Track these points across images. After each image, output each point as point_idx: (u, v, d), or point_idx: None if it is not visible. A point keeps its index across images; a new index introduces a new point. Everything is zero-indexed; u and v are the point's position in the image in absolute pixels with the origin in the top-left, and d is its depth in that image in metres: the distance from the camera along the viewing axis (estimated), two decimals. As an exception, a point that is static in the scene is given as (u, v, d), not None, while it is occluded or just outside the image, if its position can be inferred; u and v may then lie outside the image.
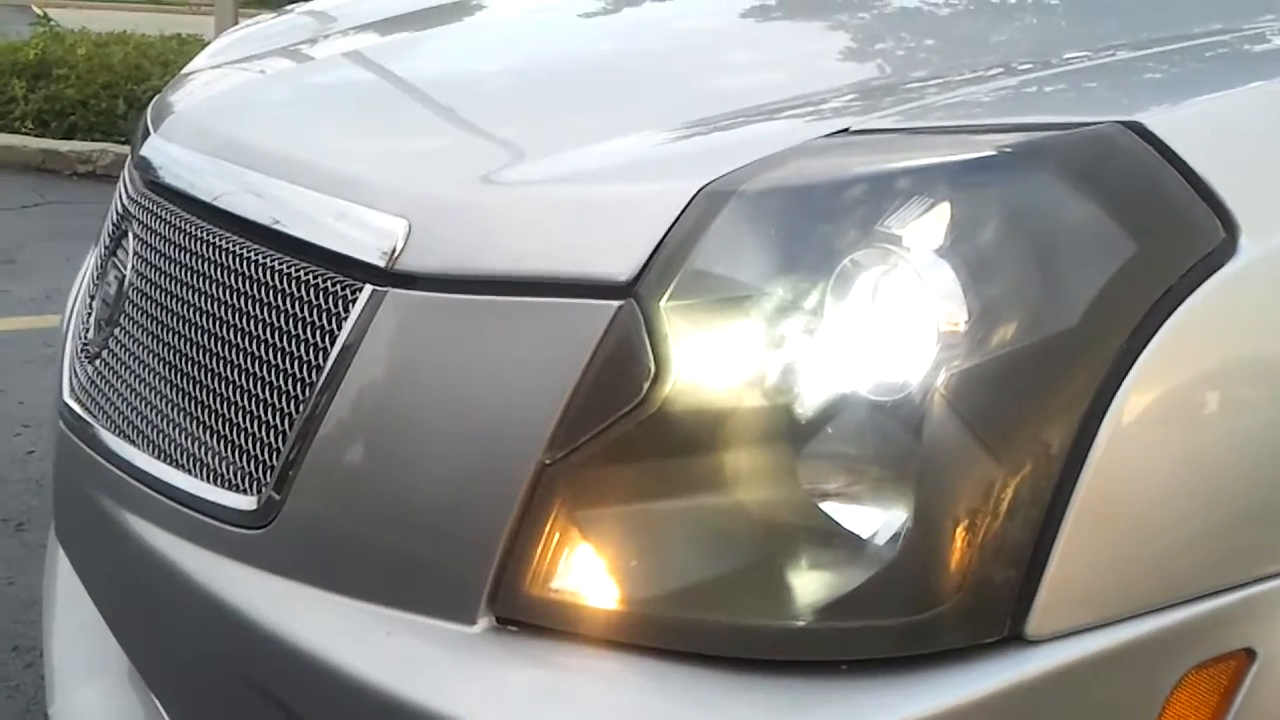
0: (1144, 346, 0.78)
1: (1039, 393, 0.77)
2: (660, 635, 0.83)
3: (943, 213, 0.80)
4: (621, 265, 0.86)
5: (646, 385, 0.82)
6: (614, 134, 1.08)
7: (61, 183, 5.85)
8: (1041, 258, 0.79)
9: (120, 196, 1.45)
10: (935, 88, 1.02)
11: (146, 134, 1.44)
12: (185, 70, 1.79)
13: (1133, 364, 0.78)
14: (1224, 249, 0.81)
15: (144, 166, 1.36)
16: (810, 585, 0.80)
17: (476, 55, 1.54)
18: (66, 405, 1.34)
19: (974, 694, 0.76)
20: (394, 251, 0.97)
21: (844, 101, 1.04)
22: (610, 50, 1.49)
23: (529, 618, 0.86)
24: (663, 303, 0.84)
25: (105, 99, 6.49)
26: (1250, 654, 0.80)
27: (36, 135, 6.32)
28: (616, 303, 0.85)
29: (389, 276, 0.97)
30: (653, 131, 1.06)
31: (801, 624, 0.80)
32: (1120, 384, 0.77)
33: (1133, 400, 0.77)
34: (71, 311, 1.59)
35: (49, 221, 5.01)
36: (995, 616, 0.77)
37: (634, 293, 0.85)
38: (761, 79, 1.24)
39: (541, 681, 0.85)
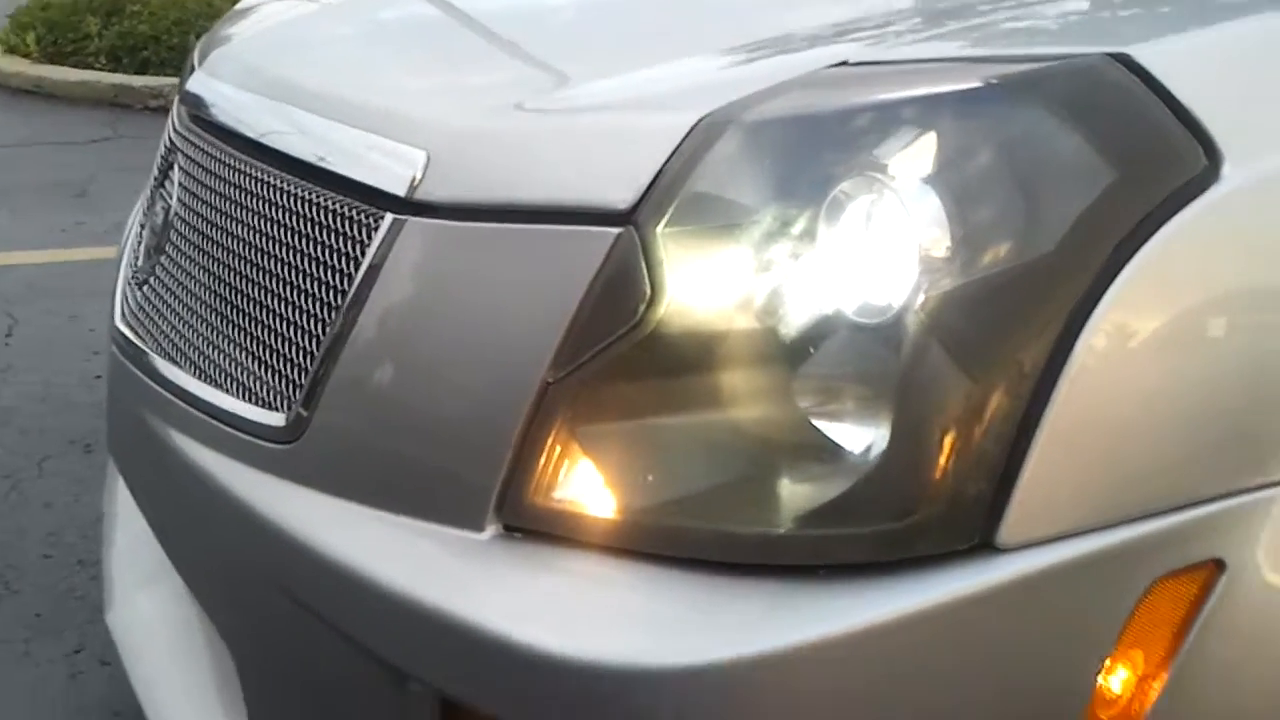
0: (1120, 270, 0.81)
1: (1016, 315, 0.81)
2: (654, 541, 0.88)
3: (930, 143, 0.83)
4: (622, 194, 0.90)
5: (642, 308, 0.87)
6: (629, 67, 1.11)
7: (134, 117, 5.96)
8: (1025, 186, 0.82)
9: (168, 130, 1.51)
10: (929, 22, 1.04)
11: (193, 69, 1.49)
12: (236, 7, 1.84)
13: (1108, 287, 0.80)
14: (1206, 176, 0.83)
15: (190, 101, 1.42)
16: (793, 495, 0.85)
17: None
18: (118, 329, 1.42)
19: (944, 598, 0.80)
20: (414, 181, 1.02)
21: (848, 35, 1.07)
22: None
23: (533, 525, 0.92)
24: (660, 229, 0.88)
25: (177, 34, 6.57)
26: (1220, 564, 0.83)
27: (110, 70, 6.43)
28: (616, 230, 0.89)
29: (409, 205, 1.01)
30: (676, 62, 1.10)
31: (784, 531, 0.84)
32: (1095, 307, 0.80)
33: (1108, 322, 0.80)
34: (126, 241, 1.66)
35: (120, 155, 5.12)
36: (967, 526, 0.81)
37: (633, 220, 0.89)
38: (801, 11, 1.26)
39: (544, 583, 0.90)
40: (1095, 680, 0.84)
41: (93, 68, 6.46)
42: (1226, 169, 0.83)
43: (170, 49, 6.53)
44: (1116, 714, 0.85)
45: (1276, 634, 0.85)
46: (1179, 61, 0.86)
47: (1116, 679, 0.84)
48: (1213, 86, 0.86)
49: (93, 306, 3.26)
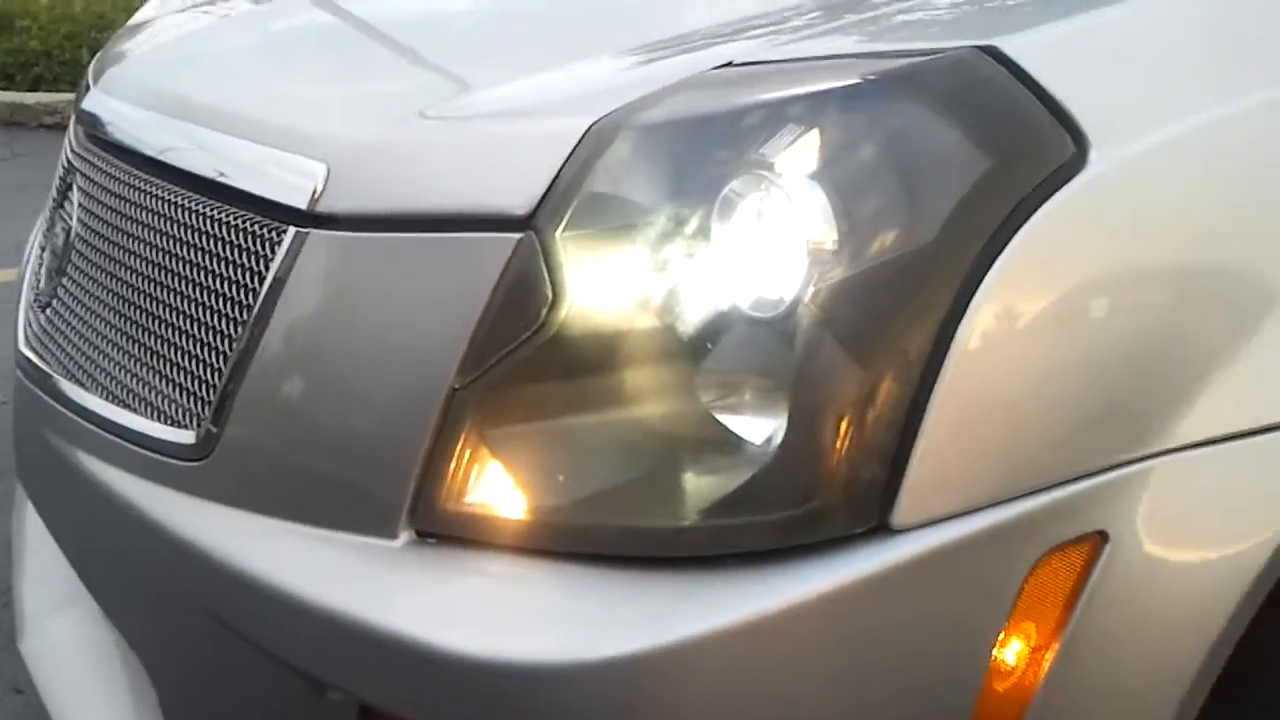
0: (997, 257, 0.84)
1: (900, 304, 0.84)
2: (564, 540, 0.90)
3: (813, 139, 0.86)
4: (521, 199, 0.92)
5: (545, 311, 0.89)
6: (527, 72, 1.13)
7: (29, 135, 5.84)
8: (905, 178, 0.85)
9: (65, 150, 1.50)
10: (807, 20, 1.07)
11: (88, 88, 1.48)
12: (132, 20, 1.83)
13: (986, 274, 0.84)
14: (1074, 163, 0.86)
15: (86, 120, 1.41)
16: (697, 487, 0.87)
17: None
18: (21, 353, 1.40)
19: (844, 579, 0.83)
20: (314, 194, 1.03)
21: (743, 34, 1.10)
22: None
23: (446, 530, 0.93)
24: (558, 233, 0.90)
25: (69, 49, 6.45)
26: (1103, 536, 0.87)
27: (2, 89, 6.29)
28: (516, 235, 0.91)
29: (310, 218, 1.02)
30: (572, 67, 1.12)
31: (690, 523, 0.87)
32: (974, 293, 0.83)
33: (987, 308, 0.84)
34: (27, 263, 1.64)
35: (18, 174, 5.01)
36: (863, 509, 0.84)
37: (533, 225, 0.91)
38: (698, 9, 1.29)
39: (457, 587, 0.91)
40: (991, 653, 0.87)
41: (-16, 86, 6.32)
42: (1093, 155, 0.87)
43: (63, 64, 6.41)
44: (1011, 685, 0.88)
45: (1156, 602, 0.88)
46: (1045, 52, 0.90)
47: (1010, 651, 0.88)
48: (1078, 75, 0.90)
49: (-6, 330, 3.19)
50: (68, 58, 6.42)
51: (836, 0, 1.19)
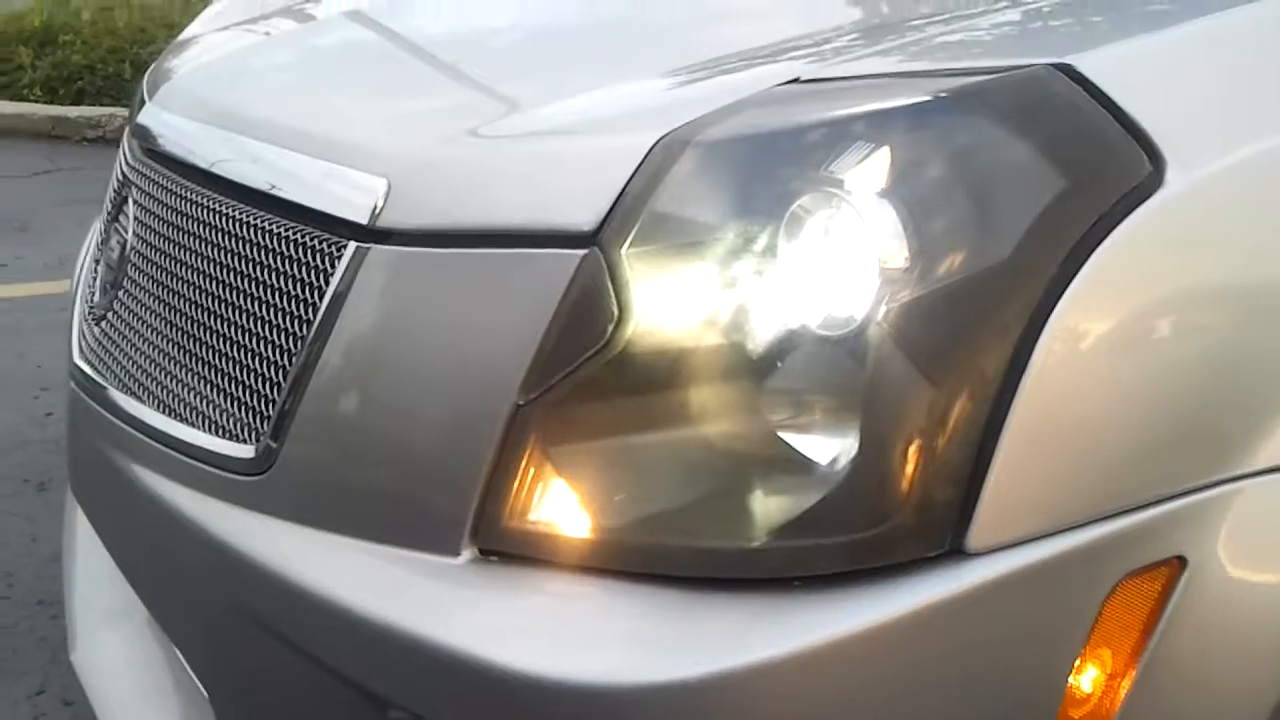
0: (1074, 275, 0.83)
1: (975, 323, 0.82)
2: (630, 560, 0.89)
3: (884, 157, 0.85)
4: (586, 215, 0.91)
5: (611, 328, 0.88)
6: (587, 88, 1.12)
7: (71, 149, 5.90)
8: (977, 196, 0.84)
9: (120, 163, 1.51)
10: (849, 42, 1.06)
11: (143, 102, 1.49)
12: (181, 36, 1.84)
13: (1063, 292, 0.82)
14: (1150, 181, 0.85)
15: (141, 134, 1.42)
16: (765, 508, 0.86)
17: (469, 12, 1.58)
18: (76, 366, 1.41)
19: (917, 604, 0.82)
20: (375, 209, 1.02)
21: (789, 53, 1.09)
22: (606, 3, 1.53)
23: (509, 548, 0.92)
24: (624, 250, 0.89)
25: (112, 63, 6.52)
26: (1182, 561, 0.86)
27: (45, 102, 6.36)
28: (581, 251, 0.90)
29: (371, 233, 1.02)
30: (626, 83, 1.11)
31: (758, 545, 0.85)
32: (1051, 312, 0.82)
33: (1064, 326, 0.82)
34: (79, 276, 1.65)
35: (61, 188, 5.07)
36: (937, 532, 0.83)
37: (598, 241, 0.90)
38: (743, 29, 1.28)
39: (521, 605, 0.91)
40: (1067, 680, 0.85)
41: (27, 99, 6.38)
42: (1170, 173, 0.86)
43: (105, 78, 6.48)
44: (1088, 713, 0.87)
45: (1237, 628, 0.87)
46: (1119, 69, 0.89)
47: (1086, 678, 0.86)
48: (1153, 92, 0.89)
49: (40, 343, 3.22)
50: (110, 72, 6.49)
51: (873, 23, 1.19)
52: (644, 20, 1.41)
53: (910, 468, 0.82)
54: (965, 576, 0.82)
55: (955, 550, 0.83)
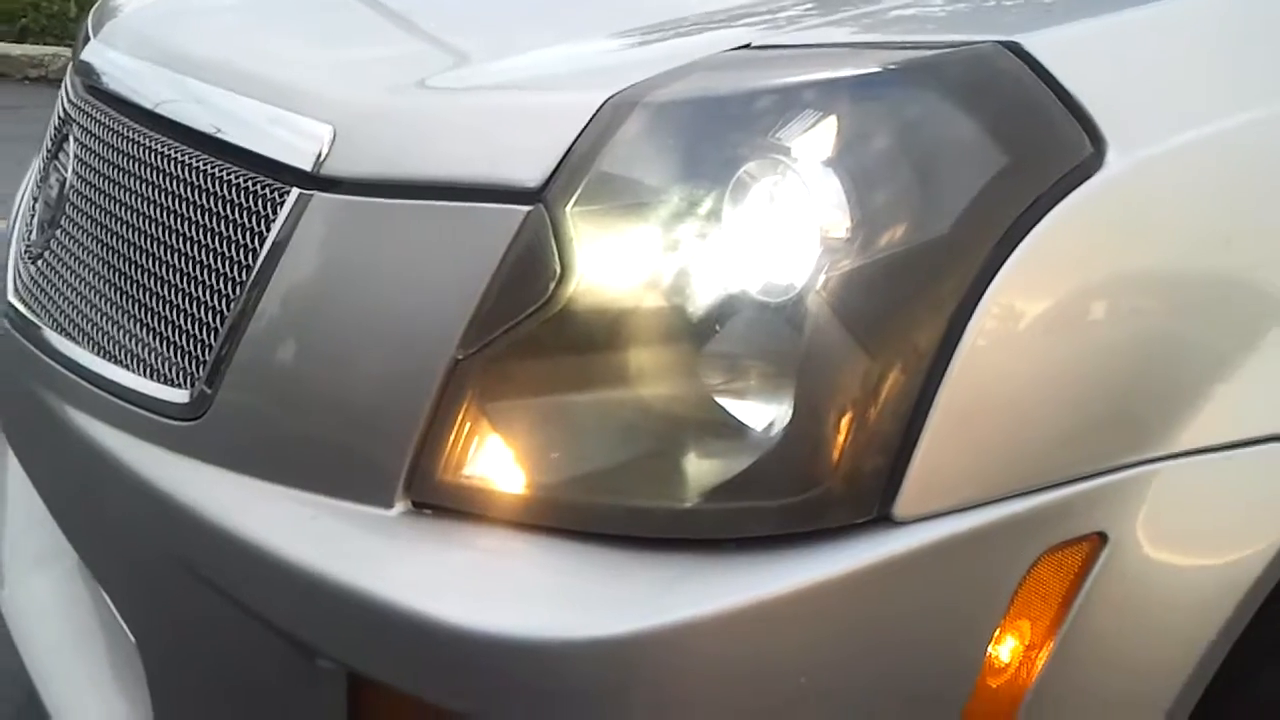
0: (1010, 253, 0.84)
1: (911, 296, 0.83)
2: (562, 517, 0.89)
3: (830, 126, 0.86)
4: (532, 172, 0.91)
5: (552, 285, 0.88)
6: (538, 45, 1.12)
7: (13, 87, 5.79)
8: (920, 169, 0.85)
9: (62, 101, 1.48)
10: (834, 7, 1.07)
11: (87, 39, 1.46)
12: (129, -26, 1.80)
13: (999, 270, 0.83)
14: (1091, 162, 0.86)
15: (84, 71, 1.39)
16: (698, 470, 0.87)
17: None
18: (11, 305, 1.38)
19: (843, 569, 0.83)
20: (320, 156, 1.01)
21: (743, 19, 1.09)
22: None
23: (442, 502, 0.92)
24: (569, 208, 0.89)
25: (56, 1, 6.39)
26: (1103, 538, 0.87)
27: (-13, 39, 6.23)
28: (526, 208, 0.90)
29: (315, 180, 1.01)
30: (578, 42, 1.11)
31: (690, 505, 0.86)
32: (986, 289, 0.83)
33: (998, 303, 0.83)
34: (17, 214, 1.62)
35: (2, 127, 4.96)
36: (865, 499, 0.84)
37: (543, 198, 0.90)
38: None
39: (452, 558, 0.91)
40: (986, 649, 0.87)
41: (-31, 36, 6.25)
42: (1111, 155, 0.87)
43: (50, 16, 6.35)
44: (1005, 682, 0.89)
45: (1154, 607, 0.89)
46: (1066, 50, 0.90)
47: (1005, 648, 0.88)
48: (1098, 74, 0.90)
49: (-26, 281, 3.16)
50: (55, 10, 6.36)
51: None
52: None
53: (841, 436, 0.83)
54: (891, 544, 0.83)
55: (883, 518, 0.84)
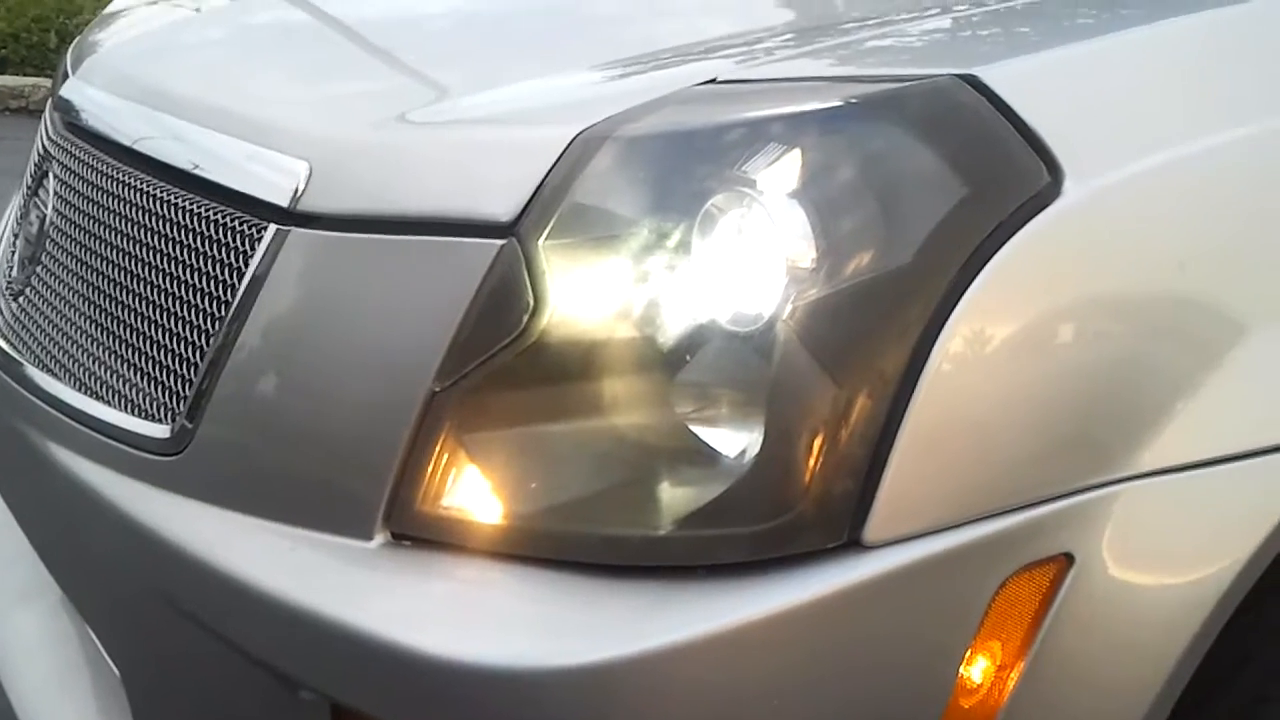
0: (972, 280, 0.85)
1: (876, 324, 0.85)
2: (539, 546, 0.91)
3: (795, 159, 0.87)
4: (504, 206, 0.92)
5: (526, 318, 0.90)
6: (515, 79, 1.14)
7: (-6, 118, 5.78)
8: (883, 200, 0.87)
9: (41, 137, 1.49)
10: (780, 42, 1.09)
11: (66, 75, 1.47)
12: (109, 8, 1.82)
13: (961, 297, 0.85)
14: (1048, 191, 0.88)
15: (63, 108, 1.41)
16: (672, 498, 0.88)
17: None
18: (-9, 341, 1.39)
19: (815, 594, 0.84)
20: (296, 192, 1.03)
21: (719, 51, 1.11)
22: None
23: (421, 533, 0.93)
24: (541, 241, 0.91)
25: (36, 32, 6.39)
26: (1069, 558, 0.89)
27: (-33, 70, 6.23)
28: (499, 241, 0.92)
29: (291, 216, 1.03)
30: (556, 76, 1.13)
31: (664, 533, 0.88)
32: (949, 315, 0.85)
33: (961, 330, 0.85)
34: (-3, 250, 1.63)
35: (-19, 158, 4.96)
36: (836, 524, 0.85)
37: (515, 232, 0.91)
38: (678, 25, 1.30)
39: (431, 589, 0.92)
40: (958, 670, 0.88)
41: (-51, 67, 6.25)
42: (1068, 184, 0.89)
43: (30, 47, 6.35)
44: (977, 703, 0.90)
45: (1120, 625, 0.90)
46: (1022, 81, 0.92)
47: (977, 669, 0.89)
48: (1054, 105, 0.92)
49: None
50: (35, 41, 6.36)
51: (809, 25, 1.22)
52: (580, 13, 1.43)
53: (811, 462, 0.85)
54: (862, 568, 0.85)
55: (853, 542, 0.85)
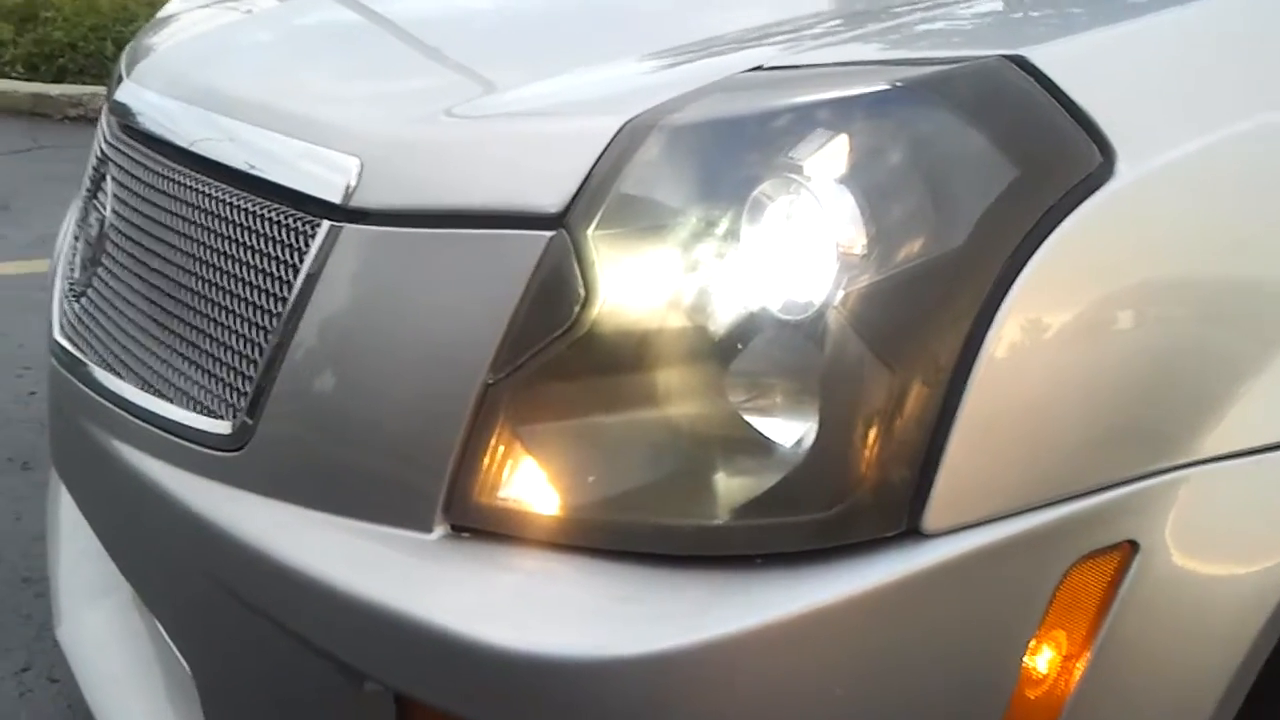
0: (1025, 263, 0.85)
1: (929, 309, 0.84)
2: (596, 537, 0.91)
3: (843, 144, 0.87)
4: (553, 197, 0.93)
5: (577, 309, 0.90)
6: (561, 71, 1.14)
7: (53, 127, 5.87)
8: (932, 184, 0.86)
9: (99, 141, 1.52)
10: (829, 28, 1.08)
11: (121, 79, 1.50)
12: (161, 13, 1.84)
13: (1014, 281, 0.84)
14: (1101, 173, 0.87)
15: (119, 111, 1.43)
16: (727, 488, 0.88)
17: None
18: (57, 342, 1.42)
19: (874, 583, 0.84)
20: (348, 189, 1.04)
21: (766, 39, 1.10)
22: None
23: (480, 524, 0.94)
24: (590, 231, 0.91)
25: (93, 41, 6.49)
26: (1134, 545, 0.88)
27: (26, 80, 6.33)
28: (549, 233, 0.92)
29: (344, 212, 1.04)
30: (599, 67, 1.13)
31: (721, 523, 0.88)
32: (1003, 299, 0.84)
33: (1016, 313, 0.84)
34: (59, 253, 1.66)
35: (42, 166, 5.05)
36: (893, 512, 0.85)
37: (564, 223, 0.92)
38: (723, 14, 1.30)
39: (491, 580, 0.93)
40: (1022, 660, 0.87)
41: (9, 77, 6.35)
42: (1121, 165, 0.88)
43: (87, 56, 6.44)
44: (1043, 693, 0.89)
45: (1187, 612, 0.89)
46: (1072, 62, 0.90)
47: (1042, 659, 0.89)
48: (1105, 85, 0.91)
49: (22, 322, 3.22)
50: (92, 50, 6.46)
51: (857, 9, 1.21)
52: (622, 5, 1.43)
53: (868, 450, 0.84)
54: (921, 557, 0.84)
55: (912, 531, 0.85)
